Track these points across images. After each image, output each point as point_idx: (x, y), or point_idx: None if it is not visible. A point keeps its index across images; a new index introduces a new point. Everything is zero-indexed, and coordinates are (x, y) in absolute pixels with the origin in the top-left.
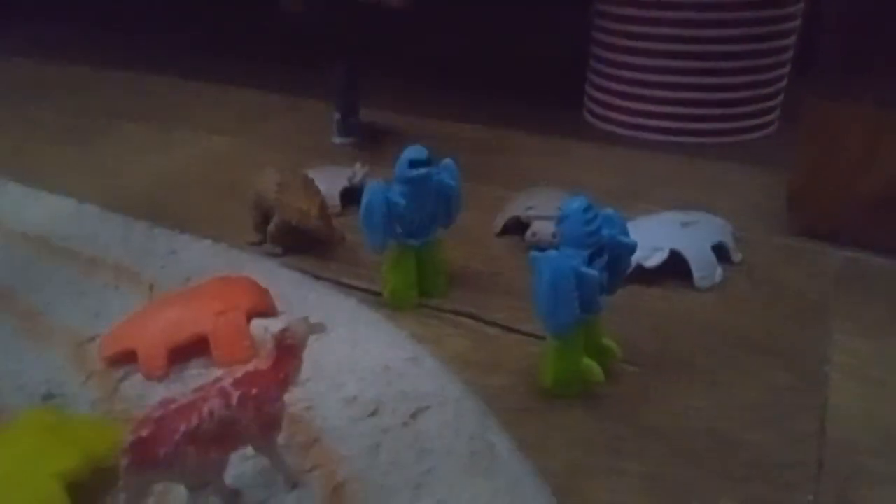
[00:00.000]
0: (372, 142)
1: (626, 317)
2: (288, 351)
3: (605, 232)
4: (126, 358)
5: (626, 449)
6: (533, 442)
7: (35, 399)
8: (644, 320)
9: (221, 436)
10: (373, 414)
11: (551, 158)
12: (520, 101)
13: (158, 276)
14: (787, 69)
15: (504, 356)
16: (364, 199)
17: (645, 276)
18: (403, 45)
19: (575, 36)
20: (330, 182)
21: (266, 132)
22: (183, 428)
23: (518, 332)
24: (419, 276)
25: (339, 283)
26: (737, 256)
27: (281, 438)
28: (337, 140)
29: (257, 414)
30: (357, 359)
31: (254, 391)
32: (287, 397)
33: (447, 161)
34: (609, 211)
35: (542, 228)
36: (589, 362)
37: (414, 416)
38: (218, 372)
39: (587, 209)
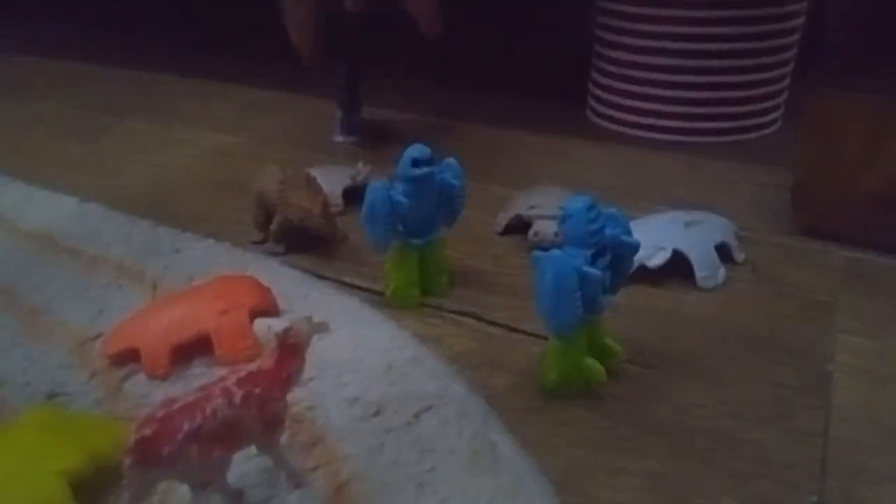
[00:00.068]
0: (374, 140)
1: (628, 316)
2: (291, 350)
3: (608, 231)
4: (129, 356)
5: (629, 448)
6: (535, 441)
7: (39, 397)
8: (647, 320)
9: (224, 435)
10: (376, 414)
11: (554, 157)
12: (522, 100)
13: (161, 274)
14: (789, 68)
15: (506, 356)
16: (367, 198)
17: (648, 275)
18: (404, 44)
19: (577, 34)
20: (332, 180)
21: (268, 130)
22: (186, 427)
23: (520, 331)
24: (421, 275)
25: (341, 283)
26: (740, 256)
27: (284, 438)
28: (339, 138)
29: (260, 413)
30: (360, 358)
31: (257, 390)
32: (290, 397)
33: (450, 160)
34: (612, 210)
35: (545, 228)
36: (591, 362)
37: (417, 415)
38: (221, 371)
39: (590, 208)
